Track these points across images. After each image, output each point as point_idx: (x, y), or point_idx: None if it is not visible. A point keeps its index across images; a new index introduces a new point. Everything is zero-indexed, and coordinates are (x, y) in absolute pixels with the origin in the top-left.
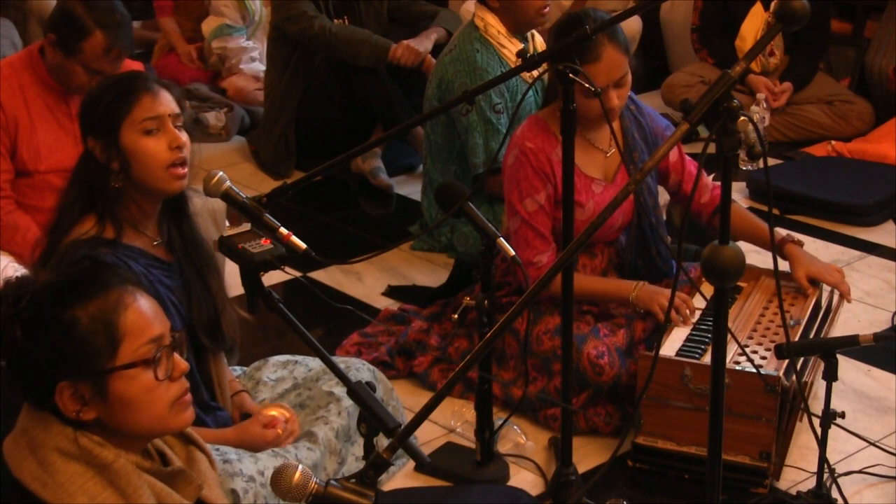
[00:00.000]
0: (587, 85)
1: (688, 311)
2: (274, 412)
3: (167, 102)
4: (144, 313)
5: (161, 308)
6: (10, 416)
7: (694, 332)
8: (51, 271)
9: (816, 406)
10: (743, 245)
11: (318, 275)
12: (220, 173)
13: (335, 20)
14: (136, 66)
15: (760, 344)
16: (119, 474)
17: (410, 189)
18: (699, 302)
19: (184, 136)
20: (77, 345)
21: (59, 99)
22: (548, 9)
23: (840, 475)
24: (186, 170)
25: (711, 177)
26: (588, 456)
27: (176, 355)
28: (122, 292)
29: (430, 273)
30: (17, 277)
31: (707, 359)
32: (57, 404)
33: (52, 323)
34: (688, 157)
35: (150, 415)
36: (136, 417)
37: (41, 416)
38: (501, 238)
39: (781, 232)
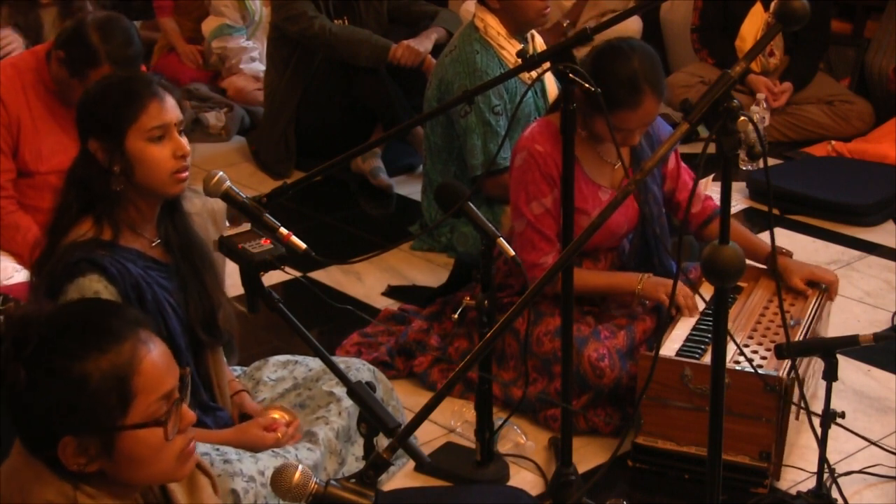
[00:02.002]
0: (587, 85)
1: (692, 302)
2: (276, 415)
3: (172, 109)
4: (157, 367)
5: (171, 354)
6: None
7: (694, 332)
8: (55, 304)
9: (816, 406)
10: None
11: (318, 275)
12: (220, 173)
13: (335, 20)
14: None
15: (760, 344)
16: None
17: (410, 189)
18: (699, 303)
19: (186, 143)
20: (87, 401)
21: (61, 101)
22: (549, 9)
23: (840, 475)
24: (188, 173)
25: (711, 177)
26: (588, 456)
27: (184, 407)
28: (136, 343)
29: (430, 273)
30: (19, 313)
31: (707, 359)
32: (58, 457)
33: (61, 376)
34: (684, 166)
35: (156, 470)
36: (141, 472)
37: (32, 464)
38: (501, 238)
39: (768, 248)
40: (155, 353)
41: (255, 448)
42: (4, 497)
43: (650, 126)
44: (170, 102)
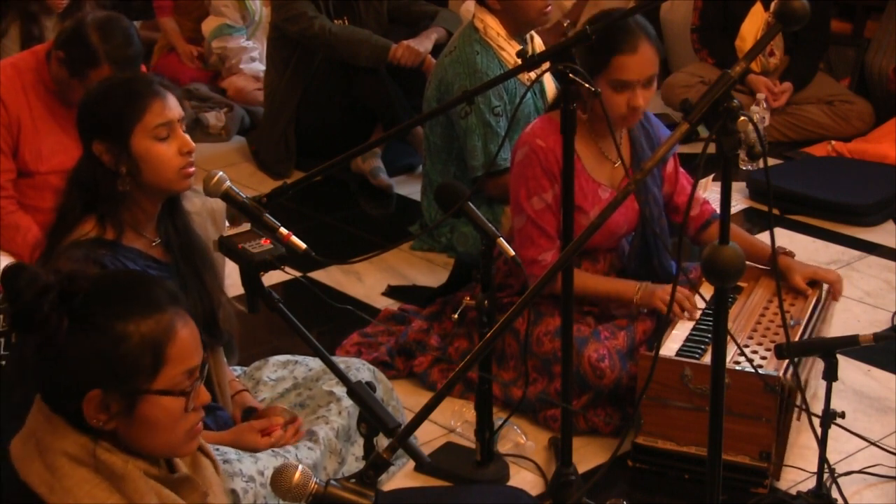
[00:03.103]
0: (587, 85)
1: (690, 305)
2: (278, 416)
3: (175, 106)
4: (189, 341)
5: (199, 334)
6: (10, 412)
7: (694, 332)
8: (102, 270)
9: (816, 406)
10: None
11: (318, 275)
12: (220, 173)
13: (335, 20)
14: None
15: (760, 344)
16: (126, 480)
17: (410, 189)
18: (699, 302)
19: (190, 139)
20: (122, 359)
21: (61, 102)
22: (550, 9)
23: (840, 475)
24: (195, 169)
25: (711, 177)
26: (588, 456)
27: (201, 386)
28: (174, 315)
29: (430, 273)
30: (67, 269)
31: (707, 359)
32: (81, 409)
33: (103, 330)
34: (682, 170)
35: (167, 440)
36: (152, 439)
37: (52, 420)
38: (501, 238)
39: (769, 249)
40: (189, 328)
41: (250, 451)
42: (22, 462)
43: (650, 127)
44: (172, 100)
